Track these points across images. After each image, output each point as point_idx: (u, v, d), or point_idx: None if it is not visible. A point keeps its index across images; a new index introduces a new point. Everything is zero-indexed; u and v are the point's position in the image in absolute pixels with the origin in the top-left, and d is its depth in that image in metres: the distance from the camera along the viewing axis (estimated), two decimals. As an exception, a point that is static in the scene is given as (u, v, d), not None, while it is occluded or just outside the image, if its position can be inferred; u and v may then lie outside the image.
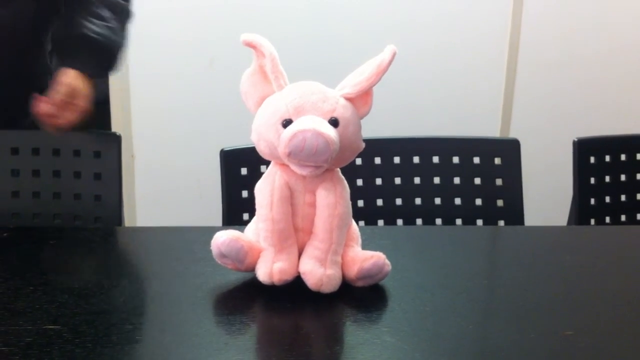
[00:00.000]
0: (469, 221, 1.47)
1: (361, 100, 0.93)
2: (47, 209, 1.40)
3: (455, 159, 1.48)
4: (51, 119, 1.33)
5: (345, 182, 0.96)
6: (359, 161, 1.44)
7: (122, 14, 1.42)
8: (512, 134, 2.47)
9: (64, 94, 1.32)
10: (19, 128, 1.46)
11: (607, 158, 1.58)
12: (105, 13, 1.39)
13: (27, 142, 1.39)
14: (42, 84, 1.46)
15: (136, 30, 2.05)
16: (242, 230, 0.98)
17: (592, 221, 1.57)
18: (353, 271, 0.94)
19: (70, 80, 1.33)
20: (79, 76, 1.35)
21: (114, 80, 2.37)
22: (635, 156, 1.60)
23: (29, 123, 1.48)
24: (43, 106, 1.31)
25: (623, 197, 1.59)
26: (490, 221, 1.47)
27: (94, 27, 1.36)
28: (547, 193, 2.28)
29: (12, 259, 1.07)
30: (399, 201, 1.47)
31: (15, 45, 1.39)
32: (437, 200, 1.48)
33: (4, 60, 1.39)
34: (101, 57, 1.39)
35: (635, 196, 1.60)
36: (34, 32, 1.42)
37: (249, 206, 1.01)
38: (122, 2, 1.42)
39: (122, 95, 2.38)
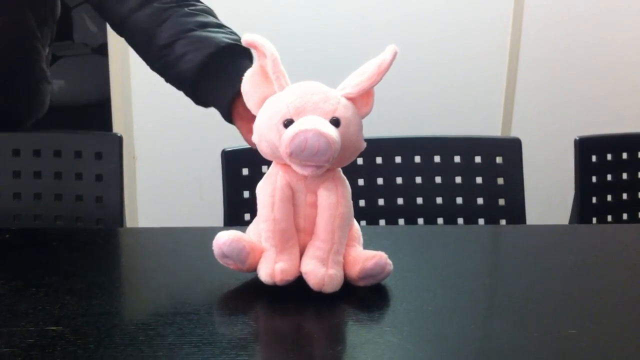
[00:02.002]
0: (470, 220, 1.47)
1: (362, 100, 0.93)
2: (49, 210, 1.40)
3: (457, 158, 1.49)
4: None
5: (347, 182, 0.96)
6: (360, 161, 1.44)
7: (213, 12, 1.23)
8: (514, 133, 2.47)
9: None
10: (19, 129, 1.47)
11: (609, 157, 1.58)
12: (214, 19, 1.20)
13: (28, 144, 1.40)
14: (39, 91, 1.46)
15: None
16: (243, 231, 0.98)
17: (594, 220, 1.57)
18: (355, 271, 0.94)
19: None
20: None
21: (115, 80, 2.37)
22: (636, 154, 1.60)
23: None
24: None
25: (625, 196, 1.59)
26: (492, 220, 1.47)
27: (226, 35, 1.15)
28: (549, 192, 2.28)
29: (13, 261, 1.07)
30: (400, 201, 1.47)
31: (11, 53, 1.38)
32: (439, 200, 1.48)
33: (1, 65, 1.38)
34: (251, 61, 1.15)
35: (637, 194, 1.60)
36: (29, 39, 1.40)
37: (251, 206, 1.01)
38: (203, 3, 1.23)
39: (124, 97, 2.38)
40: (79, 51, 3.96)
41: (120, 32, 1.24)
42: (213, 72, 1.10)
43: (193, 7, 1.18)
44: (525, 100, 2.51)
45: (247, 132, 1.05)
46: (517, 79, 2.49)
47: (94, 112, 3.28)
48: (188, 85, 1.14)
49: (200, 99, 1.16)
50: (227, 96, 1.08)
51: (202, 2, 1.22)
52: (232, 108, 1.09)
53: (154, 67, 1.20)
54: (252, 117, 0.96)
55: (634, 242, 1.25)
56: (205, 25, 1.15)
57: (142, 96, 2.40)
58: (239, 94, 1.00)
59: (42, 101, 1.48)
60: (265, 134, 0.92)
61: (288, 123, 0.89)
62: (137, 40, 1.20)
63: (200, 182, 2.40)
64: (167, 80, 1.18)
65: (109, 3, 1.21)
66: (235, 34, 1.16)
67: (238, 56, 1.11)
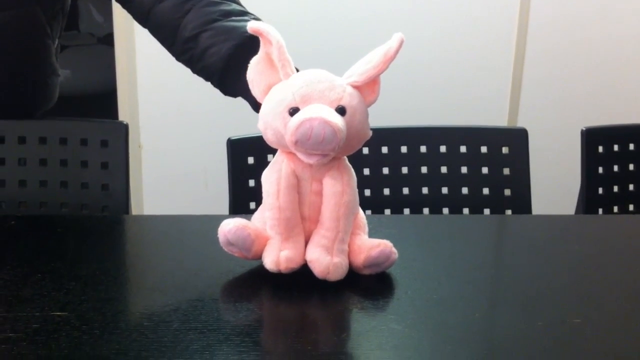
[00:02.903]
0: (476, 210, 1.47)
1: (368, 88, 0.93)
2: (54, 198, 1.40)
3: (463, 149, 1.48)
4: None
5: (352, 170, 0.96)
6: (366, 150, 1.44)
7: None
8: (520, 123, 2.46)
9: None
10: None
11: (615, 147, 1.58)
12: (238, 7, 1.19)
13: (34, 132, 1.40)
14: (48, 85, 1.46)
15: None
16: (249, 219, 0.98)
17: (600, 210, 1.56)
18: (360, 259, 0.94)
19: None
20: None
21: (121, 70, 2.37)
22: (643, 145, 1.60)
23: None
24: None
25: (631, 187, 1.59)
26: (497, 210, 1.47)
27: (245, 25, 1.04)
28: (555, 182, 2.28)
29: (19, 247, 1.08)
30: (406, 190, 1.47)
31: (20, 48, 1.38)
32: (444, 190, 1.48)
33: (10, 62, 1.38)
34: None
35: (643, 186, 1.60)
36: (39, 35, 1.39)
37: (256, 195, 1.01)
38: None
39: (129, 85, 2.39)
40: (85, 41, 3.96)
41: (145, 24, 1.23)
42: (240, 63, 1.05)
43: None
44: (531, 90, 2.50)
45: None
46: (523, 70, 2.49)
47: (100, 101, 3.28)
48: (216, 78, 1.13)
49: (229, 91, 1.15)
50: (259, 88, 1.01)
51: None
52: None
53: (180, 59, 1.19)
54: None
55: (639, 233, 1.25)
56: (229, 14, 1.13)
57: (147, 85, 2.40)
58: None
59: (51, 95, 1.48)
60: (271, 122, 0.92)
61: (294, 111, 0.89)
62: (162, 33, 1.19)
63: (205, 170, 2.40)
64: (194, 72, 1.17)
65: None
66: (259, 20, 1.13)
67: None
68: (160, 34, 1.21)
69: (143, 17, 1.22)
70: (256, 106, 1.06)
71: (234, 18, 1.13)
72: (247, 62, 0.97)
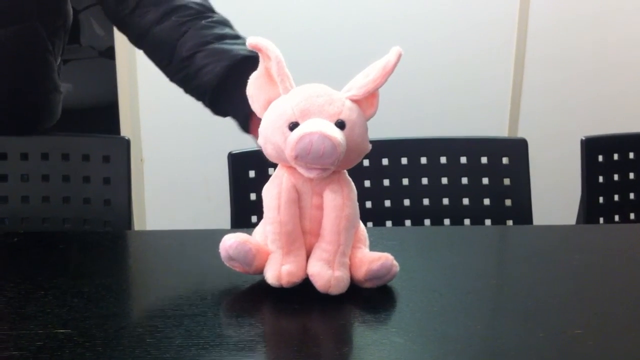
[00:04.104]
0: (477, 221, 1.47)
1: (367, 102, 0.94)
2: (57, 213, 1.41)
3: (463, 159, 1.49)
4: None
5: (352, 183, 0.96)
6: (366, 162, 1.44)
7: (229, 23, 1.25)
8: (520, 134, 2.47)
9: None
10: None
11: (616, 156, 1.58)
12: (230, 31, 1.22)
13: (36, 147, 1.40)
14: (50, 101, 1.46)
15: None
16: (250, 233, 0.99)
17: (601, 220, 1.56)
18: (361, 272, 0.95)
19: None
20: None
21: (123, 83, 2.38)
22: (643, 154, 1.60)
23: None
24: None
25: (632, 196, 1.59)
26: (498, 221, 1.47)
27: (243, 47, 1.16)
28: (556, 192, 2.28)
29: (22, 264, 1.08)
30: (406, 202, 1.47)
31: (21, 64, 1.38)
32: (445, 201, 1.48)
33: (11, 78, 1.38)
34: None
35: (644, 194, 1.60)
36: (40, 51, 1.40)
37: (257, 209, 1.01)
38: (220, 15, 1.26)
39: (131, 99, 2.39)
40: (86, 54, 3.97)
41: (139, 45, 1.26)
42: (231, 84, 1.13)
43: (210, 20, 1.20)
44: (531, 100, 2.51)
45: None
46: (523, 80, 2.49)
47: (101, 114, 3.28)
48: (208, 96, 1.18)
49: (219, 110, 1.20)
50: (244, 108, 1.05)
51: (218, 14, 1.24)
52: (249, 119, 1.12)
53: (174, 79, 1.23)
54: None
55: (640, 242, 1.25)
56: (222, 38, 1.18)
57: (149, 99, 2.40)
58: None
59: (53, 111, 1.48)
60: (271, 137, 0.92)
61: (293, 126, 0.90)
62: (159, 53, 1.23)
63: (207, 184, 2.41)
64: (187, 91, 1.22)
65: (131, 18, 1.23)
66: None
67: (254, 68, 1.07)
68: (157, 53, 1.24)
69: (140, 38, 1.25)
70: (245, 126, 1.13)
71: (227, 41, 1.17)
72: (238, 82, 1.01)
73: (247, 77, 1.01)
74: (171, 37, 1.19)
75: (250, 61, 1.09)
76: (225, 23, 1.23)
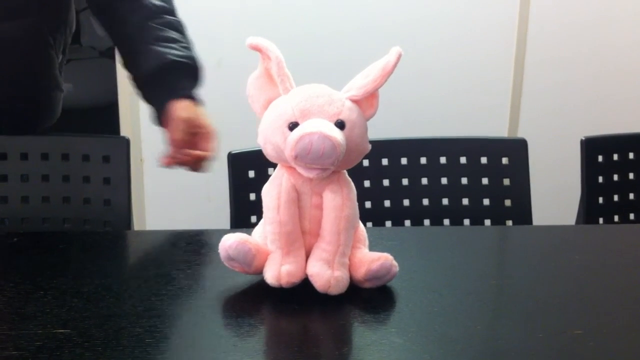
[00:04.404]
0: (476, 221, 1.47)
1: (367, 102, 0.94)
2: (57, 213, 1.41)
3: (463, 159, 1.49)
4: (186, 159, 1.28)
5: (352, 183, 0.96)
6: (366, 162, 1.44)
7: (183, 29, 1.38)
8: (520, 134, 2.47)
9: (186, 129, 1.27)
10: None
11: (615, 157, 1.58)
12: (173, 34, 1.34)
13: (36, 148, 1.40)
14: (52, 99, 1.47)
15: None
16: (249, 233, 0.99)
17: (601, 220, 1.57)
18: (361, 273, 0.95)
19: (185, 112, 1.27)
20: (190, 104, 1.29)
21: (123, 85, 2.38)
22: (643, 154, 1.60)
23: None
24: (171, 152, 1.28)
25: (631, 196, 1.59)
26: (498, 221, 1.47)
27: (176, 52, 1.32)
28: (555, 192, 2.27)
29: (22, 264, 1.08)
30: (406, 202, 1.47)
31: (22, 59, 1.39)
32: (445, 201, 1.48)
33: (12, 73, 1.39)
34: (195, 79, 1.35)
35: (644, 194, 1.60)
36: (41, 46, 1.41)
37: (257, 209, 1.01)
38: (177, 18, 1.38)
39: (131, 100, 2.39)
40: (86, 54, 3.97)
41: (108, 32, 1.41)
42: (153, 84, 1.32)
43: (159, 21, 1.34)
44: (531, 100, 2.51)
45: (169, 137, 1.28)
46: (523, 80, 2.49)
47: (101, 114, 3.28)
48: (136, 86, 1.36)
49: (143, 98, 1.36)
50: (157, 107, 1.31)
51: (171, 17, 1.37)
52: (160, 115, 1.30)
53: (124, 67, 1.39)
54: (176, 127, 1.25)
55: (640, 242, 1.25)
56: (160, 40, 1.33)
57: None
58: (165, 108, 1.27)
59: (54, 109, 1.49)
60: (271, 137, 0.92)
61: (293, 126, 0.90)
62: (117, 44, 1.40)
63: (206, 184, 2.40)
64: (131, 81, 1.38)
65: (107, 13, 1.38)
66: (188, 49, 1.35)
67: (176, 73, 1.31)
68: (112, 34, 1.40)
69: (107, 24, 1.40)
70: (158, 121, 1.31)
71: (163, 43, 1.32)
72: (160, 83, 1.29)
73: (167, 80, 1.29)
74: (127, 32, 1.35)
75: (175, 65, 1.30)
76: (173, 26, 1.35)
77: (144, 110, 2.39)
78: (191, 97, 1.30)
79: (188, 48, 1.35)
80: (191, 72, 1.34)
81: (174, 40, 1.33)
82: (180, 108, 1.27)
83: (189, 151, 1.27)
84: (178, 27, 1.37)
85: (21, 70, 1.40)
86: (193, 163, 1.29)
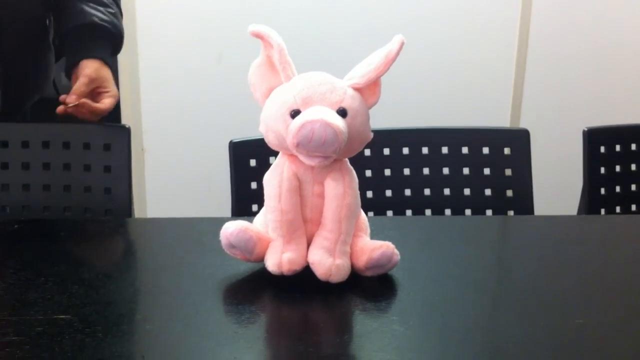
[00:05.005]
0: (478, 211, 1.47)
1: (369, 90, 0.93)
2: (58, 201, 1.40)
3: (465, 150, 1.48)
4: (82, 109, 1.36)
5: (354, 172, 0.96)
6: (368, 152, 1.44)
7: None
8: (522, 124, 2.46)
9: (90, 84, 1.35)
10: (25, 109, 1.51)
11: (618, 148, 1.58)
12: None
13: (37, 136, 1.40)
14: (45, 61, 1.49)
15: (145, 25, 2.05)
16: (251, 222, 0.99)
17: (602, 211, 1.56)
18: (362, 261, 0.95)
19: (93, 70, 1.36)
20: (101, 65, 1.38)
21: (124, 75, 2.37)
22: (645, 145, 1.60)
23: (30, 106, 1.51)
24: (70, 99, 1.34)
25: (633, 187, 1.59)
26: (499, 211, 1.47)
27: (101, 15, 1.41)
28: (557, 183, 2.27)
29: (23, 251, 1.08)
30: (408, 192, 1.47)
31: (24, 28, 1.43)
32: (447, 191, 1.48)
33: (12, 42, 1.41)
34: (112, 44, 1.44)
35: (646, 185, 1.60)
36: (41, 15, 1.46)
37: (258, 197, 1.01)
38: None
39: (132, 90, 2.39)
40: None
41: None
42: (71, 40, 1.40)
43: None
44: (533, 91, 2.50)
45: (76, 88, 1.35)
46: (525, 70, 2.49)
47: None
48: (56, 41, 1.47)
49: (60, 56, 1.47)
50: (68, 63, 1.39)
51: None
52: (71, 72, 1.38)
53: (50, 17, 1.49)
54: (81, 81, 1.34)
55: (642, 233, 1.25)
56: (89, 0, 1.42)
57: (150, 89, 2.40)
58: (76, 64, 1.36)
59: (49, 71, 1.54)
60: (272, 125, 0.92)
61: (295, 114, 0.89)
62: None
63: (208, 173, 2.41)
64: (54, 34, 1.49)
65: None
66: (113, 15, 1.44)
67: (95, 35, 1.40)
68: None
69: None
70: (68, 75, 1.40)
71: (90, 4, 1.41)
72: (77, 41, 1.39)
73: (84, 39, 1.39)
74: None
75: (95, 27, 1.39)
76: None
77: (145, 100, 2.41)
78: (103, 60, 1.39)
79: (114, 15, 1.45)
80: (109, 37, 1.43)
81: (103, 4, 1.43)
82: (89, 67, 1.36)
83: (86, 101, 1.35)
84: None
85: (21, 39, 1.44)
86: (87, 114, 1.37)
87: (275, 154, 0.97)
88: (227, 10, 2.32)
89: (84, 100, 1.34)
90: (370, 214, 1.39)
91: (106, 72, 1.39)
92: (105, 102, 1.37)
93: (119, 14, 1.47)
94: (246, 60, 0.97)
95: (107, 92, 1.38)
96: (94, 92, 1.37)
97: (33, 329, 0.82)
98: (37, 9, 1.45)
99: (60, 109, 1.34)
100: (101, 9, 1.42)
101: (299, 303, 0.92)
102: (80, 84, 1.35)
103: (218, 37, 2.31)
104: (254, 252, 0.95)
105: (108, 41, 1.42)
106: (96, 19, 1.40)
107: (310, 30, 2.36)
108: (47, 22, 1.51)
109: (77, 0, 1.41)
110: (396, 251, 0.96)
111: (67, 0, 1.42)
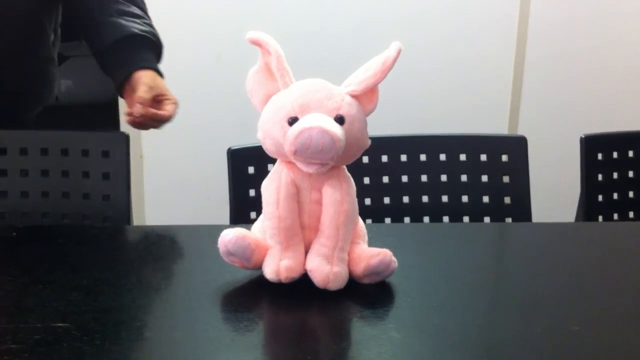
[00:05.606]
0: (476, 218, 1.47)
1: (367, 97, 0.94)
2: (56, 208, 1.40)
3: (462, 157, 1.48)
4: (146, 118, 1.32)
5: (352, 179, 0.96)
6: (365, 159, 1.44)
7: (145, 7, 1.46)
8: (520, 131, 2.46)
9: (150, 92, 1.32)
10: (26, 119, 1.49)
11: (615, 154, 1.58)
12: (136, 10, 1.42)
13: (35, 143, 1.40)
14: (47, 72, 1.49)
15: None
16: (249, 229, 0.99)
17: (600, 218, 1.56)
18: (360, 268, 0.95)
19: (150, 79, 1.34)
20: (154, 74, 1.36)
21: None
22: (642, 152, 1.60)
23: (33, 116, 1.50)
24: (137, 109, 1.30)
25: (631, 194, 1.59)
26: (497, 218, 1.47)
27: (139, 26, 1.39)
28: (555, 190, 2.28)
29: (21, 258, 1.08)
30: (406, 199, 1.47)
31: (20, 32, 1.42)
32: (445, 198, 1.48)
33: (8, 47, 1.41)
34: (157, 54, 1.42)
35: (643, 192, 1.60)
36: (37, 19, 1.44)
37: (256, 204, 1.01)
38: None
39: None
40: (86, 51, 3.93)
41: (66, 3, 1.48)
42: (116, 55, 1.38)
43: None
44: (531, 98, 2.51)
45: (129, 106, 1.33)
46: (523, 77, 2.49)
47: (101, 111, 3.28)
48: (98, 59, 1.42)
49: (105, 71, 1.43)
50: (119, 76, 1.36)
51: None
52: (122, 86, 1.36)
53: (83, 38, 1.47)
54: (143, 90, 1.29)
55: (639, 239, 1.25)
56: (123, 14, 1.40)
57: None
58: (128, 76, 1.34)
59: (51, 86, 1.53)
60: (270, 132, 0.92)
61: (292, 121, 0.90)
62: (76, 16, 1.46)
63: (206, 180, 2.40)
64: (90, 51, 1.45)
65: None
66: (150, 26, 1.42)
67: (140, 45, 1.38)
68: (74, 14, 1.46)
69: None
70: (119, 91, 1.38)
71: (126, 17, 1.40)
72: (122, 55, 1.36)
73: (129, 52, 1.36)
74: (88, 4, 1.41)
75: (138, 38, 1.37)
76: (135, 2, 1.43)
77: (144, 106, 2.40)
78: (154, 69, 1.37)
79: (150, 25, 1.43)
80: (153, 47, 1.40)
81: (137, 16, 1.41)
82: (144, 76, 1.34)
83: (152, 110, 1.32)
84: (140, 4, 1.45)
85: (19, 44, 1.43)
86: (153, 122, 1.35)
87: (273, 161, 0.97)
88: (225, 13, 2.32)
89: (149, 110, 1.31)
90: (368, 221, 1.39)
91: (161, 80, 1.37)
92: (168, 109, 1.34)
93: (152, 22, 1.45)
94: (245, 64, 0.97)
95: (167, 99, 1.35)
96: (154, 101, 1.33)
97: (31, 336, 0.82)
98: (33, 13, 1.43)
99: (128, 119, 1.32)
100: (137, 20, 1.40)
101: (296, 310, 0.92)
102: (142, 92, 1.31)
103: (216, 39, 2.31)
104: (252, 260, 0.95)
105: (151, 51, 1.40)
106: (136, 30, 1.38)
107: (309, 30, 2.36)
108: (53, 36, 1.50)
109: (111, 16, 1.39)
110: (394, 258, 0.96)
111: (101, 17, 1.40)
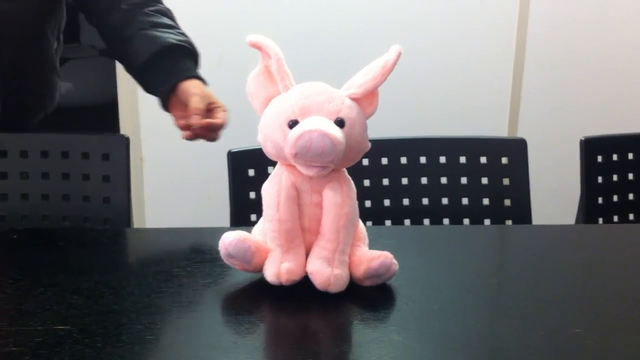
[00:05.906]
0: (476, 221, 1.47)
1: (367, 100, 0.94)
2: (56, 211, 1.40)
3: (462, 159, 1.49)
4: (202, 129, 1.29)
5: (352, 182, 0.96)
6: (365, 162, 1.44)
7: (173, 16, 1.43)
8: (520, 134, 2.46)
9: (203, 102, 1.28)
10: (28, 126, 1.49)
11: (615, 157, 1.58)
12: (167, 21, 1.39)
13: (36, 145, 1.40)
14: (50, 82, 1.49)
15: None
16: (249, 232, 0.99)
17: (600, 220, 1.56)
18: (360, 271, 0.95)
19: (199, 89, 1.30)
20: (200, 82, 1.32)
21: (123, 82, 2.38)
22: (642, 155, 1.60)
23: (36, 122, 1.50)
24: (194, 120, 1.26)
25: (631, 196, 1.59)
26: (497, 221, 1.47)
27: (174, 36, 1.35)
28: (555, 192, 2.27)
29: (21, 260, 1.08)
30: (406, 201, 1.47)
31: (22, 40, 1.41)
32: (445, 200, 1.48)
33: (10, 55, 1.40)
34: (196, 62, 1.38)
35: (643, 194, 1.60)
36: (39, 26, 1.43)
37: (257, 207, 1.01)
38: (165, 6, 1.43)
39: (131, 97, 2.39)
40: (86, 53, 3.97)
41: (91, 21, 1.45)
42: (156, 68, 1.33)
43: (151, 9, 1.38)
44: (531, 100, 2.51)
45: (178, 120, 1.31)
46: (523, 80, 2.49)
47: (101, 113, 3.28)
48: (136, 74, 1.38)
49: (145, 87, 1.40)
50: (164, 89, 1.32)
51: (161, 5, 1.42)
52: (168, 99, 1.32)
53: (114, 57, 1.46)
54: (195, 100, 1.25)
55: (639, 242, 1.25)
56: (157, 25, 1.36)
57: (149, 97, 2.39)
58: (173, 88, 1.30)
59: (53, 94, 1.52)
60: (270, 135, 0.92)
61: (293, 124, 0.90)
62: (105, 34, 1.42)
63: (206, 182, 2.40)
64: (125, 69, 1.41)
65: (89, 4, 1.41)
66: (184, 35, 1.38)
67: (180, 55, 1.34)
68: (104, 35, 1.42)
69: (91, 16, 1.43)
70: (165, 106, 1.35)
71: (160, 29, 1.36)
72: (162, 68, 1.31)
73: (169, 64, 1.31)
74: (117, 22, 1.38)
75: (176, 48, 1.33)
76: (164, 13, 1.40)
77: (144, 109, 2.41)
78: (199, 78, 1.33)
79: (184, 34, 1.38)
80: (190, 55, 1.36)
81: (170, 27, 1.38)
82: (193, 86, 1.30)
83: (207, 120, 1.27)
84: (169, 14, 1.42)
85: (23, 51, 1.42)
86: (208, 132, 1.30)
87: (273, 163, 0.97)
88: (226, 14, 2.32)
89: (204, 120, 1.27)
90: (369, 223, 1.39)
91: (208, 89, 1.32)
92: (221, 117, 1.29)
93: (185, 33, 1.40)
94: (246, 66, 0.97)
95: (217, 106, 1.30)
96: (207, 109, 1.29)
97: (32, 339, 0.82)
98: (35, 21, 1.42)
99: (187, 134, 1.28)
100: (171, 31, 1.37)
101: (297, 313, 0.92)
102: (195, 103, 1.27)
103: (217, 41, 2.31)
104: (253, 262, 0.95)
105: (190, 59, 1.36)
106: (174, 40, 1.34)
107: (310, 33, 2.36)
108: (56, 44, 1.49)
109: (145, 29, 1.35)
110: (394, 261, 0.96)
111: (134, 30, 1.35)
